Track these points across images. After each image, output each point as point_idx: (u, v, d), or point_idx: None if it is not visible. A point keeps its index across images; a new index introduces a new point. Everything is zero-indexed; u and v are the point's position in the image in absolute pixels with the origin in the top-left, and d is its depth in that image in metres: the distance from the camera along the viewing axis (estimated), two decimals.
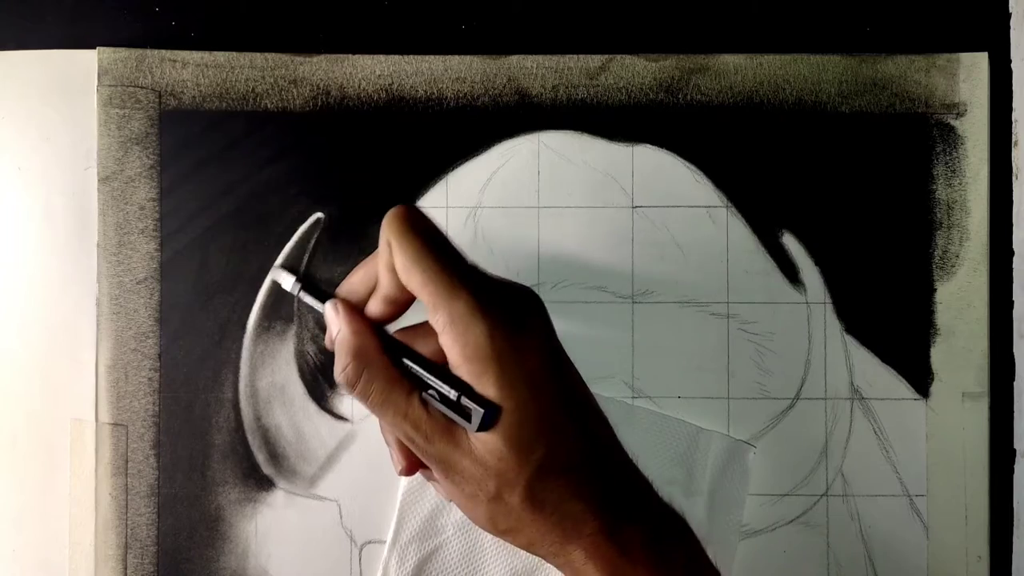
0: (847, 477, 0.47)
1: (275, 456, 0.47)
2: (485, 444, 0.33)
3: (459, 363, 0.33)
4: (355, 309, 0.36)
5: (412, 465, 0.37)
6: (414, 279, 0.33)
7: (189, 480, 0.47)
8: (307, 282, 0.40)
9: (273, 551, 0.47)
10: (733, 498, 0.46)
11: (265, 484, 0.47)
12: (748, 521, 0.46)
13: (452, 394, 0.33)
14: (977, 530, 0.46)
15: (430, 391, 0.34)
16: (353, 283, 0.37)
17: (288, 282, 0.42)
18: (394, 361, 0.35)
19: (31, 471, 0.46)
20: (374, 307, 0.36)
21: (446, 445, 0.34)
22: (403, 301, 0.36)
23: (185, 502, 0.46)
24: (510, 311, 0.33)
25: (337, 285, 0.47)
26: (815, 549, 0.46)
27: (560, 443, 0.33)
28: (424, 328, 0.35)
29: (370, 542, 0.46)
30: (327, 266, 0.47)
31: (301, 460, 0.47)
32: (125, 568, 0.46)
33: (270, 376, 0.47)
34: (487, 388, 0.33)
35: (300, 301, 0.40)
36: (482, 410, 0.32)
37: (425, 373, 0.34)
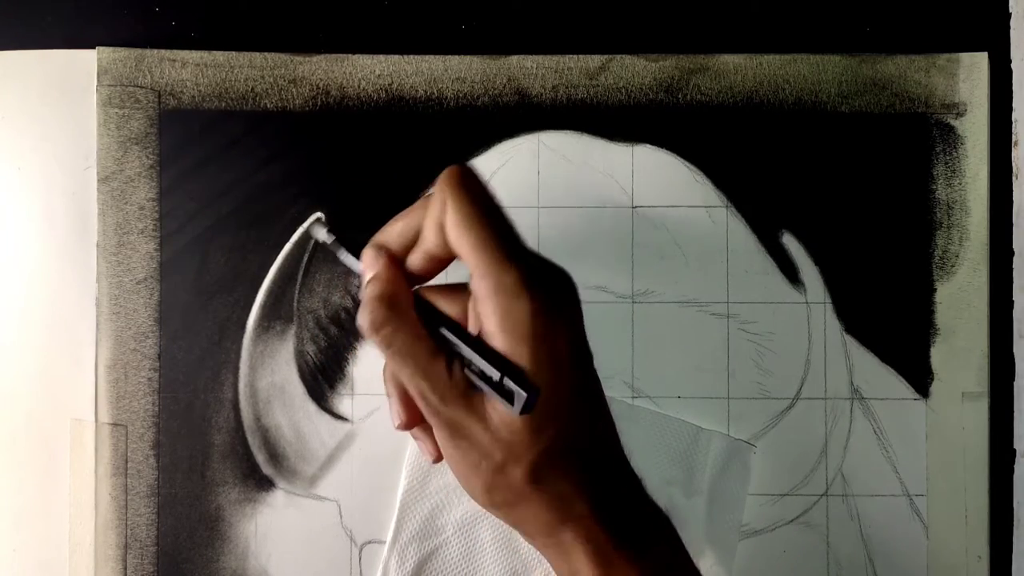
0: (847, 477, 0.47)
1: (275, 456, 0.47)
2: (501, 416, 0.33)
3: (495, 332, 0.33)
4: (395, 258, 0.36)
5: (412, 420, 0.37)
6: (466, 242, 0.33)
7: (189, 480, 0.47)
8: (341, 236, 0.39)
9: (273, 551, 0.46)
10: (733, 498, 0.46)
11: (265, 484, 0.47)
12: (748, 521, 0.46)
13: (495, 374, 0.32)
14: (977, 530, 0.46)
15: (471, 366, 0.34)
16: (391, 234, 0.36)
17: (322, 234, 0.41)
18: (424, 323, 0.35)
19: (31, 471, 0.46)
20: (415, 261, 0.36)
21: (460, 409, 0.34)
22: (445, 259, 0.35)
23: (185, 502, 0.46)
24: (551, 292, 0.33)
25: (343, 277, 0.47)
26: (815, 549, 0.46)
27: (571, 428, 0.34)
28: (451, 291, 0.35)
29: (370, 542, 0.46)
30: (327, 266, 0.47)
31: (301, 460, 0.47)
32: (125, 568, 0.46)
33: (270, 376, 0.47)
34: (517, 363, 0.32)
35: (334, 255, 0.39)
36: (525, 394, 0.32)
37: (464, 347, 0.34)
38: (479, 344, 0.34)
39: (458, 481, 0.36)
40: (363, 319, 0.35)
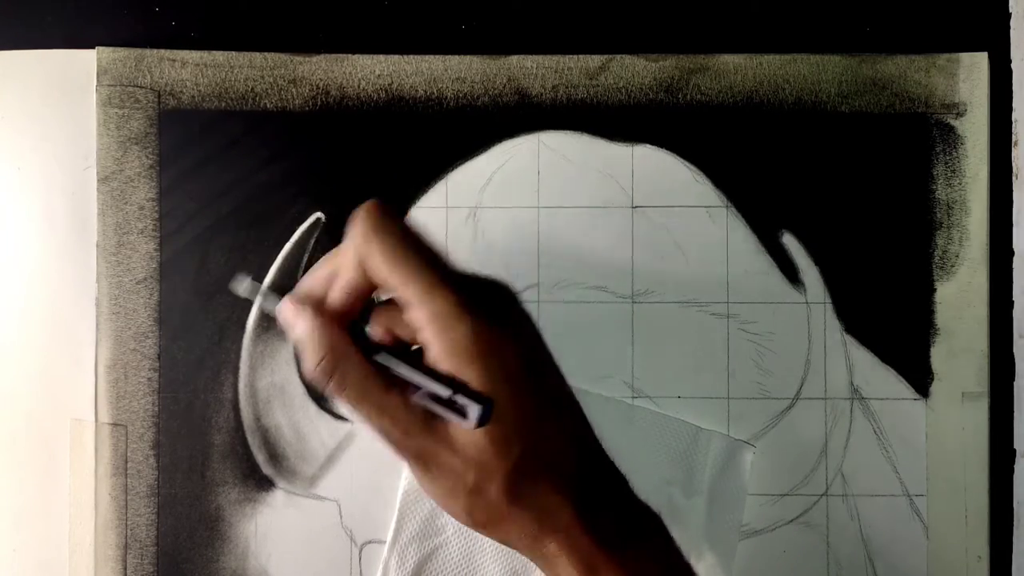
0: (847, 477, 0.47)
1: (275, 456, 0.47)
2: (466, 437, 0.33)
3: (441, 358, 0.33)
4: (320, 302, 0.35)
5: None
6: (396, 277, 0.33)
7: (189, 480, 0.47)
8: (268, 286, 0.38)
9: (273, 551, 0.47)
10: (733, 498, 0.46)
11: (265, 484, 0.47)
12: (748, 521, 0.46)
13: (445, 392, 0.33)
14: (977, 530, 0.46)
15: (419, 391, 0.33)
16: (312, 283, 0.35)
17: (243, 285, 0.37)
18: (366, 355, 0.34)
19: (31, 471, 0.46)
20: (335, 298, 0.35)
21: (425, 438, 0.34)
22: (365, 292, 0.35)
23: (185, 502, 0.46)
24: (490, 307, 0.33)
25: None
26: (815, 549, 0.46)
27: (539, 438, 0.34)
28: (388, 310, 0.35)
29: (370, 542, 0.46)
30: None
31: (301, 460, 0.47)
32: (125, 568, 0.46)
33: (270, 376, 0.47)
34: (470, 380, 0.33)
35: (260, 304, 0.37)
36: (479, 406, 0.32)
37: (410, 370, 0.34)
38: (424, 367, 0.33)
39: (440, 507, 0.36)
40: (311, 371, 0.34)
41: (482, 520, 0.35)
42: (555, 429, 0.34)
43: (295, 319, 0.35)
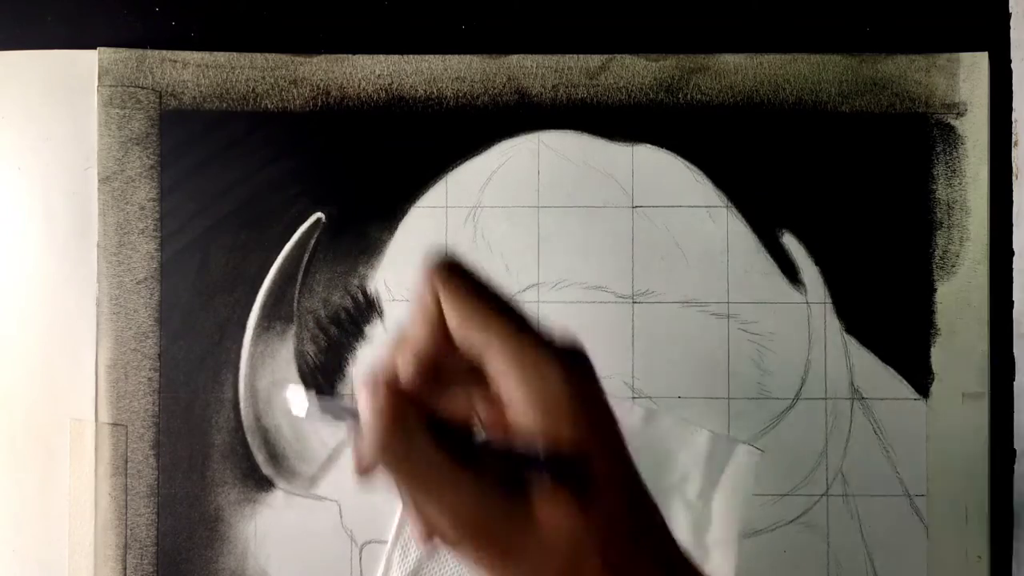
0: (847, 477, 0.47)
1: (275, 456, 0.47)
2: (558, 512, 0.28)
3: (525, 411, 0.29)
4: (394, 383, 0.30)
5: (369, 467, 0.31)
6: (472, 322, 0.29)
7: (189, 480, 0.47)
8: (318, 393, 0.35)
9: (273, 551, 0.46)
10: (738, 500, 0.46)
11: (265, 484, 0.47)
12: (748, 521, 0.46)
13: (537, 452, 0.28)
14: (977, 530, 0.46)
15: (505, 454, 0.29)
16: (383, 360, 0.31)
17: (299, 405, 0.33)
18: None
19: (31, 471, 0.46)
20: (403, 368, 0.31)
21: (507, 521, 0.29)
22: (440, 356, 0.30)
23: (185, 502, 0.46)
24: (571, 359, 0.30)
25: (336, 286, 0.47)
26: (815, 549, 0.46)
27: (634, 498, 0.30)
28: (444, 389, 0.31)
29: (370, 542, 0.46)
30: (327, 266, 0.47)
31: (301, 460, 0.47)
32: (124, 568, 0.46)
33: (270, 376, 0.47)
34: (564, 436, 0.29)
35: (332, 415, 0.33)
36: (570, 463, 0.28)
37: (493, 439, 0.30)
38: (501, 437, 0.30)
39: None
40: (377, 456, 0.29)
41: None
42: (644, 491, 0.30)
43: (369, 399, 0.30)
